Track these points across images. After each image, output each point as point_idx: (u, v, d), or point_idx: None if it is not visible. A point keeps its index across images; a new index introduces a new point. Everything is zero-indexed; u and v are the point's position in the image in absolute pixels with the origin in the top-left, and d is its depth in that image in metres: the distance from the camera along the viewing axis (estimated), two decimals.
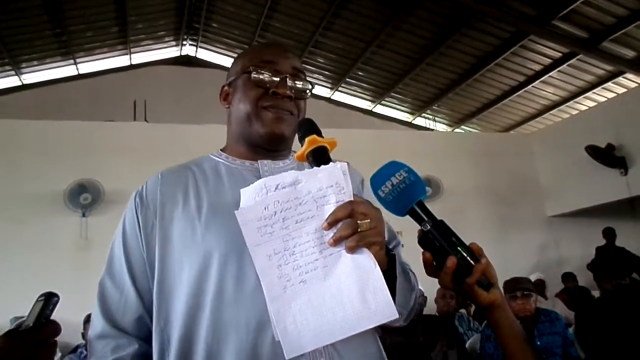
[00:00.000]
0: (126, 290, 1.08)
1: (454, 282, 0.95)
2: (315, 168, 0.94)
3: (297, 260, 0.89)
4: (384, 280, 0.88)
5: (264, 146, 1.14)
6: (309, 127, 1.02)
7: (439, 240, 0.95)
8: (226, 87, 1.20)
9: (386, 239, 1.14)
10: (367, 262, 0.88)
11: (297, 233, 0.90)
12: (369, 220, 0.88)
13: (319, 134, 1.00)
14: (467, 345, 3.96)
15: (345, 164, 0.93)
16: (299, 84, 1.14)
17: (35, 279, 4.91)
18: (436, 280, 0.99)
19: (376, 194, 1.01)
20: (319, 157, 0.96)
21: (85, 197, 5.99)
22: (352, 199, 0.90)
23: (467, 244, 0.98)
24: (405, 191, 0.99)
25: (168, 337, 1.01)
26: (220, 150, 1.20)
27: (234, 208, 0.93)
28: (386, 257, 0.97)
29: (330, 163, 0.94)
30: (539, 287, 6.30)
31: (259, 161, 1.14)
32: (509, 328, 0.99)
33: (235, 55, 9.19)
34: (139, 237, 1.08)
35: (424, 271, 1.01)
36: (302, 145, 1.00)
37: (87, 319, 4.51)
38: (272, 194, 0.92)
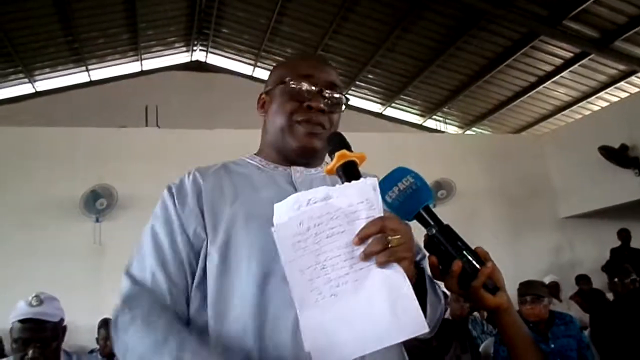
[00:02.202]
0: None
1: (460, 285, 0.96)
2: (346, 184, 0.96)
3: (328, 274, 0.91)
4: (414, 295, 0.89)
5: (296, 159, 1.16)
6: (338, 142, 1.04)
7: (444, 245, 0.97)
8: (264, 96, 1.22)
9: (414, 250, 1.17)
10: (397, 277, 0.90)
11: (328, 247, 0.91)
12: (399, 236, 0.90)
13: (349, 148, 1.02)
14: (480, 349, 3.93)
15: (375, 179, 0.95)
16: (334, 98, 1.15)
17: (49, 284, 4.92)
18: None
19: (383, 199, 1.03)
20: (349, 171, 0.98)
21: (101, 202, 6.05)
22: (382, 214, 0.92)
23: (479, 246, 0.99)
24: (412, 196, 1.00)
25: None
26: (254, 154, 1.23)
27: (266, 215, 0.96)
28: (415, 271, 0.98)
29: (361, 178, 0.95)
30: (553, 289, 6.25)
31: (292, 167, 1.16)
32: (516, 332, 1.00)
33: (244, 60, 9.24)
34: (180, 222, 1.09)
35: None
36: (331, 159, 1.02)
37: (102, 324, 4.54)
38: (304, 209, 0.94)
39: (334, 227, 0.92)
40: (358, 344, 0.89)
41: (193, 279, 1.06)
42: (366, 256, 0.89)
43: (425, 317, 0.94)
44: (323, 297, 0.91)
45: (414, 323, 0.88)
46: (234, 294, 1.02)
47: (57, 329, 2.06)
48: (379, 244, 0.89)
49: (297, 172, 1.16)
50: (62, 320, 2.11)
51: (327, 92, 1.14)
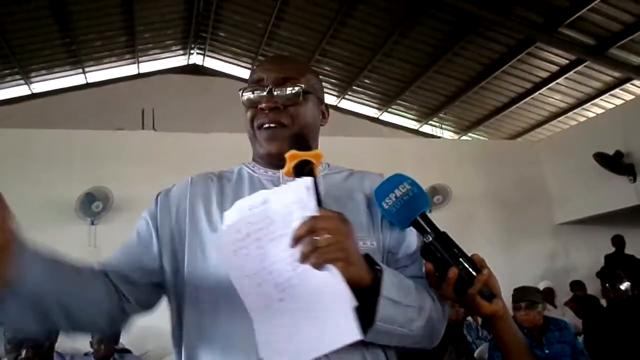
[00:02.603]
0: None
1: (456, 292, 0.96)
2: (282, 186, 0.96)
3: (275, 279, 0.90)
4: (348, 299, 0.86)
5: (273, 163, 1.14)
6: (294, 141, 1.03)
7: (441, 252, 0.97)
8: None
9: (412, 249, 1.11)
10: (333, 279, 0.87)
11: (272, 252, 0.90)
12: (328, 236, 0.86)
13: (305, 147, 1.01)
14: (475, 354, 3.93)
15: (310, 178, 0.92)
16: (288, 91, 1.12)
17: None
18: None
19: (380, 205, 1.03)
20: (301, 171, 0.96)
21: (97, 205, 6.03)
22: (316, 214, 0.89)
23: (475, 253, 0.99)
24: (408, 203, 1.01)
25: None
26: (252, 159, 1.23)
27: None
28: (369, 273, 0.93)
29: (296, 179, 0.93)
30: (548, 295, 6.26)
31: (280, 170, 1.14)
32: (512, 338, 1.00)
33: (242, 63, 9.24)
34: (152, 231, 1.12)
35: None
36: None
37: None
38: (244, 215, 0.93)
39: (275, 231, 0.90)
40: (303, 349, 0.87)
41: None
42: (300, 259, 0.87)
43: (374, 320, 0.91)
44: (273, 302, 0.90)
45: (347, 330, 0.85)
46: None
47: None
48: (308, 245, 0.87)
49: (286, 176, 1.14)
50: None
51: (277, 90, 1.11)
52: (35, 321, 0.90)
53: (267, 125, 1.11)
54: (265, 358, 0.89)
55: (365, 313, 0.91)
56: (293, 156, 0.98)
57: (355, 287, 0.89)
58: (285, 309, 0.89)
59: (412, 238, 1.12)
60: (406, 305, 0.98)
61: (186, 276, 1.05)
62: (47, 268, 0.92)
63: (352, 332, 0.84)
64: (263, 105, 1.10)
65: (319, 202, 0.91)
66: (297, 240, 0.88)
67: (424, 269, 1.08)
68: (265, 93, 1.11)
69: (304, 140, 1.05)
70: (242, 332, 0.95)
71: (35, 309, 0.89)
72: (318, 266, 0.87)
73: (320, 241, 0.86)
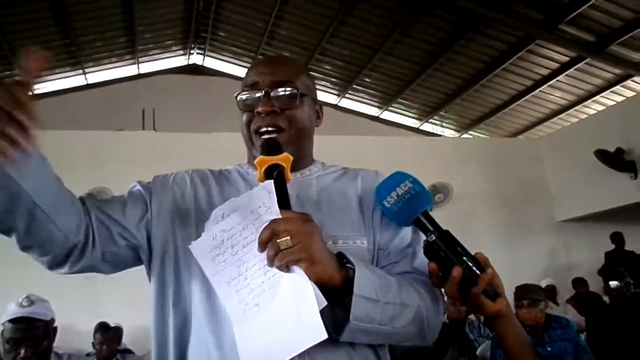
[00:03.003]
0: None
1: (460, 292, 0.95)
2: (248, 192, 0.97)
3: (250, 285, 0.91)
4: (313, 299, 0.86)
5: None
6: (264, 149, 1.03)
7: (444, 251, 0.96)
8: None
9: (406, 242, 1.11)
10: (299, 281, 0.87)
11: (246, 257, 0.92)
12: (288, 238, 0.86)
13: (275, 151, 1.00)
14: (477, 353, 3.93)
15: (270, 181, 0.93)
16: (283, 93, 1.11)
17: (45, 288, 4.92)
18: None
19: (381, 204, 1.02)
20: (268, 176, 0.96)
21: None
22: (278, 216, 0.89)
23: (475, 251, 0.98)
24: (410, 201, 1.00)
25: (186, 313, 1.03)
26: (247, 161, 1.22)
27: None
28: (341, 271, 0.93)
29: (260, 184, 0.95)
30: (550, 292, 6.26)
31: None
32: (515, 337, 0.99)
33: (242, 63, 9.24)
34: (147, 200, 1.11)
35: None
36: None
37: (98, 327, 4.53)
38: (219, 223, 0.95)
39: (247, 237, 0.92)
40: (277, 353, 0.88)
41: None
42: (268, 263, 0.88)
43: (348, 319, 0.91)
44: (249, 308, 0.91)
45: (312, 330, 0.85)
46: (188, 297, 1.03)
47: (48, 329, 2.08)
48: (271, 248, 0.87)
49: None
50: (52, 320, 2.12)
51: (273, 92, 1.10)
52: None
53: (264, 130, 1.10)
54: None
55: (344, 312, 0.92)
56: (261, 162, 0.98)
57: (327, 286, 0.89)
58: (261, 314, 0.90)
59: (405, 233, 1.11)
60: (385, 302, 0.96)
61: (180, 258, 1.05)
62: (42, 163, 0.95)
63: (318, 332, 0.85)
64: (260, 109, 1.09)
65: (287, 204, 0.92)
66: (263, 244, 0.88)
67: (413, 265, 1.08)
68: (261, 96, 1.10)
69: (275, 145, 1.04)
70: (227, 337, 0.96)
71: (7, 198, 0.88)
72: (283, 268, 0.87)
73: (281, 243, 0.86)
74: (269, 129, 1.10)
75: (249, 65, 9.79)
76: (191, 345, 1.00)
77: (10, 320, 2.02)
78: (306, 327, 0.86)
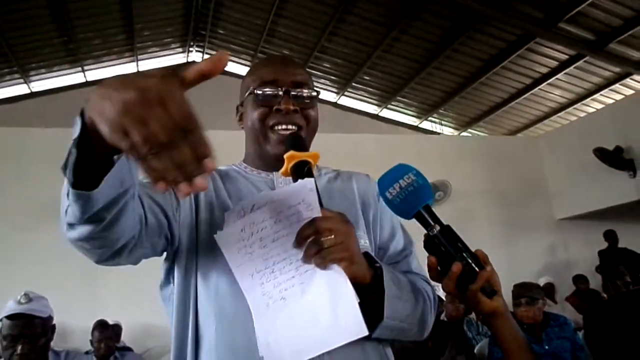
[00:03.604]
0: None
1: (458, 288, 0.95)
2: (285, 187, 0.98)
3: (277, 278, 0.91)
4: (354, 297, 0.88)
5: (277, 163, 1.13)
6: (291, 143, 1.04)
7: (444, 245, 0.96)
8: (240, 107, 1.22)
9: (400, 247, 1.16)
10: (337, 278, 0.88)
11: (275, 251, 0.92)
12: (332, 237, 0.88)
13: (302, 148, 1.02)
14: (475, 350, 3.94)
15: (312, 179, 0.94)
16: (303, 94, 1.14)
17: (45, 286, 4.93)
18: None
19: (383, 195, 1.02)
20: (299, 171, 0.97)
21: None
22: (319, 214, 0.90)
23: (474, 249, 0.98)
24: (412, 194, 0.99)
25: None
26: (242, 161, 1.23)
27: None
28: (370, 271, 0.96)
29: (299, 180, 0.94)
30: (548, 290, 6.27)
31: (274, 173, 1.16)
32: (511, 336, 1.00)
33: (241, 61, 9.24)
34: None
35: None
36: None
37: (96, 325, 4.54)
38: (248, 215, 0.94)
39: (279, 231, 0.92)
40: (305, 347, 0.89)
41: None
42: (304, 259, 0.89)
43: (383, 317, 0.93)
44: (274, 301, 0.91)
45: (353, 326, 0.87)
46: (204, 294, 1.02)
47: (46, 326, 2.08)
48: (313, 246, 0.88)
49: (280, 177, 1.13)
50: (50, 317, 2.13)
51: (294, 92, 1.12)
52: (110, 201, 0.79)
53: (283, 127, 1.11)
54: (265, 357, 0.90)
55: (367, 310, 0.92)
56: (291, 157, 0.99)
57: (359, 284, 0.92)
58: (287, 308, 0.90)
59: (399, 235, 1.16)
60: (405, 300, 1.00)
61: (203, 250, 1.03)
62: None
63: (359, 328, 0.86)
64: (282, 106, 1.10)
65: (321, 202, 0.92)
66: (301, 240, 0.89)
67: (417, 264, 1.09)
68: (282, 94, 1.11)
69: (301, 140, 1.06)
70: (244, 331, 0.95)
71: (120, 187, 0.79)
72: (322, 266, 0.88)
73: (325, 241, 0.87)
74: (289, 126, 1.11)
75: (248, 62, 9.86)
76: (214, 341, 0.99)
77: (8, 317, 2.02)
78: (344, 323, 0.87)
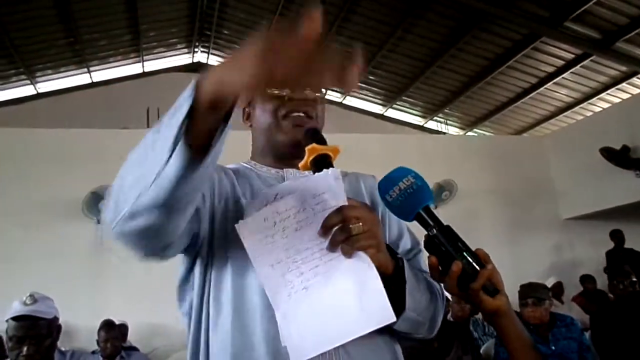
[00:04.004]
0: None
1: (459, 287, 0.96)
2: (309, 176, 0.97)
3: (299, 268, 0.91)
4: (381, 284, 0.89)
5: (290, 153, 1.15)
6: (311, 136, 1.05)
7: (444, 245, 0.96)
8: (247, 108, 1.22)
9: (408, 246, 1.18)
10: (364, 266, 0.89)
11: (297, 241, 0.92)
12: (361, 224, 0.89)
13: (322, 141, 1.03)
14: (481, 351, 3.93)
15: (338, 170, 0.95)
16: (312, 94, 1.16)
17: (50, 286, 4.94)
18: None
19: (383, 198, 1.03)
20: (320, 164, 0.99)
21: (103, 203, 6.05)
22: (345, 203, 0.91)
23: (479, 248, 0.98)
24: (412, 196, 1.00)
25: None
26: (250, 158, 1.24)
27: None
28: (392, 261, 0.97)
29: (324, 170, 0.96)
30: (557, 290, 6.25)
31: (284, 170, 1.17)
32: (515, 335, 0.99)
33: None
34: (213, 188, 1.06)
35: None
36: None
37: (102, 325, 4.55)
38: (271, 205, 0.94)
39: (301, 220, 0.92)
40: (329, 336, 0.89)
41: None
42: (331, 247, 0.89)
43: (404, 307, 0.94)
44: (296, 291, 0.91)
45: (381, 313, 0.88)
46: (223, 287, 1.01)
47: (51, 327, 2.09)
48: (341, 233, 0.88)
49: (290, 173, 1.16)
50: (56, 318, 2.13)
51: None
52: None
53: (296, 114, 1.12)
54: (289, 346, 0.90)
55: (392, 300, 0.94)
56: (313, 149, 1.01)
57: (383, 274, 0.93)
58: (310, 298, 0.90)
59: (406, 235, 1.19)
60: (422, 294, 1.03)
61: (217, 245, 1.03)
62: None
63: (387, 315, 0.88)
64: (294, 96, 1.12)
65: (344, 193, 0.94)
66: (328, 228, 0.89)
67: (425, 263, 1.10)
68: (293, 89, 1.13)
69: (320, 134, 1.07)
70: (262, 323, 0.96)
71: (206, 174, 0.81)
72: (349, 253, 0.89)
73: (354, 229, 0.88)
74: (301, 113, 1.12)
75: None
76: (229, 334, 0.99)
77: (14, 318, 2.03)
78: (371, 310, 0.88)
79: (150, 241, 0.88)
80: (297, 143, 1.12)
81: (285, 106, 1.13)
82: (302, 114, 1.13)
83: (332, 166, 0.98)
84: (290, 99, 1.12)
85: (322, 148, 1.01)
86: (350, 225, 0.88)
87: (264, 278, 0.92)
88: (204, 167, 0.76)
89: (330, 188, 0.92)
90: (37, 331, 2.02)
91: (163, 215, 0.81)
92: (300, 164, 1.02)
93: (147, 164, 0.81)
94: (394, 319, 0.88)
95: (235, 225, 0.93)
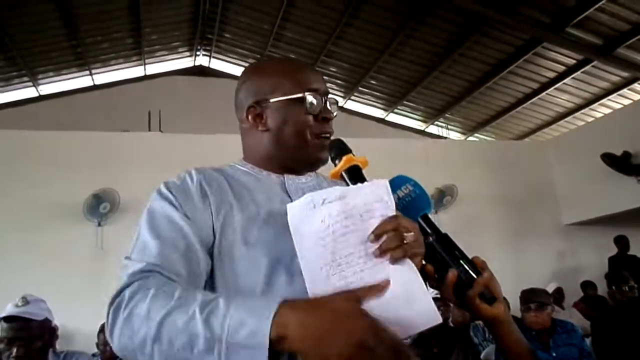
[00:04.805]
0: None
1: (456, 295, 0.97)
2: (359, 184, 0.99)
3: (344, 272, 0.93)
4: (426, 288, 0.92)
5: (304, 168, 1.17)
6: (342, 147, 1.08)
7: (441, 253, 0.98)
8: (254, 107, 1.15)
9: None
10: (409, 272, 0.92)
11: (342, 245, 0.94)
12: (413, 233, 0.93)
13: (352, 153, 1.07)
14: (482, 356, 3.91)
15: (386, 180, 0.98)
16: (335, 104, 1.18)
17: (51, 289, 4.95)
18: None
19: None
20: (355, 174, 1.02)
21: (104, 206, 6.05)
22: (395, 213, 0.94)
23: (480, 254, 0.99)
24: (410, 204, 1.02)
25: None
26: (243, 160, 1.21)
27: (273, 218, 1.02)
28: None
29: (373, 180, 0.98)
30: (557, 295, 6.23)
31: (284, 175, 1.16)
32: (513, 342, 0.99)
33: (248, 64, 9.29)
34: (208, 210, 1.06)
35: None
36: (335, 164, 1.06)
37: (102, 328, 4.54)
38: (320, 207, 0.96)
39: (348, 226, 0.94)
40: None
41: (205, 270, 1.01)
42: (382, 252, 0.91)
43: None
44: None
45: (428, 315, 0.90)
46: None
47: (42, 328, 2.09)
48: (394, 240, 0.91)
49: (290, 179, 1.15)
50: (47, 320, 2.14)
51: (329, 101, 1.15)
52: None
53: (326, 135, 1.14)
54: None
55: None
56: (349, 159, 1.05)
57: None
58: None
59: None
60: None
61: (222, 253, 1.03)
62: None
63: (433, 317, 0.90)
64: (327, 115, 1.14)
65: None
66: (380, 234, 0.92)
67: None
68: (327, 105, 1.15)
69: (348, 147, 1.10)
70: None
71: None
72: (398, 260, 0.92)
73: (408, 237, 0.92)
74: (329, 135, 1.15)
75: None
76: None
77: (5, 320, 2.05)
78: (418, 313, 0.90)
79: None
80: (319, 162, 1.15)
81: (319, 125, 1.13)
82: (329, 135, 1.15)
83: (365, 177, 1.02)
84: (325, 117, 1.14)
85: (357, 159, 1.05)
86: (405, 234, 0.92)
87: (310, 279, 0.93)
88: None
89: (382, 198, 0.95)
90: (28, 332, 2.03)
91: None
92: (332, 171, 1.05)
93: None
94: (440, 320, 0.91)
95: (291, 226, 0.95)
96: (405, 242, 0.91)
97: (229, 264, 1.02)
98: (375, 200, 0.95)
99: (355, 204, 0.95)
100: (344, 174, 1.03)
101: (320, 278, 0.93)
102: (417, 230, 0.95)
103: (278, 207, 1.05)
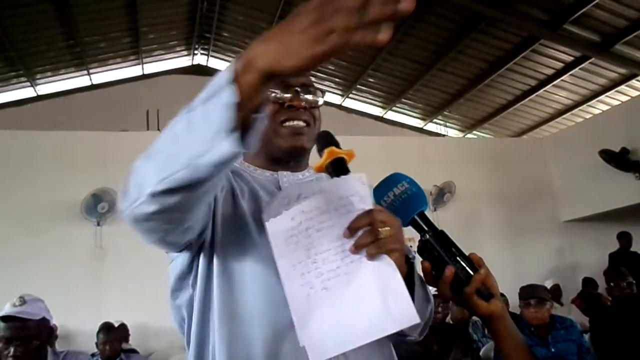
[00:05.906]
0: None
1: (453, 291, 0.97)
2: (335, 178, 0.97)
3: (319, 268, 0.91)
4: (404, 287, 0.90)
5: (285, 159, 1.16)
6: (327, 140, 1.06)
7: (438, 250, 0.97)
8: None
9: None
10: (387, 269, 0.90)
11: (319, 241, 0.92)
12: (388, 228, 0.90)
13: (337, 145, 1.04)
14: (481, 353, 3.93)
15: (364, 174, 0.95)
16: (313, 96, 1.16)
17: (50, 288, 4.95)
18: None
19: (378, 204, 1.04)
20: (338, 167, 1.00)
21: (102, 206, 6.05)
22: (372, 207, 0.92)
23: (479, 250, 0.99)
24: (406, 202, 1.02)
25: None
26: (242, 160, 1.21)
27: (259, 218, 0.98)
28: (405, 265, 0.98)
29: (350, 174, 0.97)
30: (556, 292, 6.24)
31: (278, 172, 1.17)
32: (510, 339, 1.00)
33: None
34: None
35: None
36: (320, 157, 1.03)
37: (101, 328, 4.54)
38: (295, 204, 0.94)
39: (324, 221, 0.92)
40: (351, 336, 0.89)
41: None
42: (357, 248, 0.90)
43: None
44: (315, 292, 0.91)
45: (405, 314, 0.88)
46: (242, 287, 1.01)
47: (40, 328, 2.10)
48: (369, 236, 0.89)
49: (284, 176, 1.16)
50: (45, 319, 2.14)
51: (302, 91, 1.14)
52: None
53: (294, 123, 1.12)
54: (308, 346, 0.90)
55: None
56: (332, 152, 1.02)
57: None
58: (330, 299, 0.90)
59: None
60: (424, 299, 1.06)
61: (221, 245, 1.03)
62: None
63: (411, 316, 0.88)
64: (294, 102, 1.12)
65: None
66: (354, 230, 0.90)
67: (417, 269, 1.11)
68: (293, 94, 1.13)
69: (333, 138, 1.07)
70: (274, 324, 0.97)
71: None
72: (374, 256, 0.90)
73: (382, 232, 0.89)
74: (299, 122, 1.13)
75: None
76: (242, 336, 0.99)
77: (2, 319, 2.06)
78: (395, 311, 0.88)
79: (165, 224, 0.86)
80: (294, 150, 1.13)
81: (284, 112, 1.12)
82: (301, 123, 1.12)
83: (349, 170, 0.99)
84: (291, 105, 1.12)
85: (340, 152, 1.02)
86: (379, 229, 0.89)
87: (285, 277, 0.92)
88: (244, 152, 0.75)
89: (357, 191, 0.93)
90: (25, 332, 2.04)
91: (194, 195, 0.80)
92: (316, 165, 1.02)
93: (183, 146, 0.76)
94: (418, 320, 0.88)
95: (266, 223, 0.94)
96: (380, 237, 0.89)
97: (223, 264, 1.03)
98: (351, 194, 0.93)
99: (332, 199, 0.93)
100: (328, 167, 1.01)
101: (295, 276, 0.91)
102: (395, 225, 0.92)
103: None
